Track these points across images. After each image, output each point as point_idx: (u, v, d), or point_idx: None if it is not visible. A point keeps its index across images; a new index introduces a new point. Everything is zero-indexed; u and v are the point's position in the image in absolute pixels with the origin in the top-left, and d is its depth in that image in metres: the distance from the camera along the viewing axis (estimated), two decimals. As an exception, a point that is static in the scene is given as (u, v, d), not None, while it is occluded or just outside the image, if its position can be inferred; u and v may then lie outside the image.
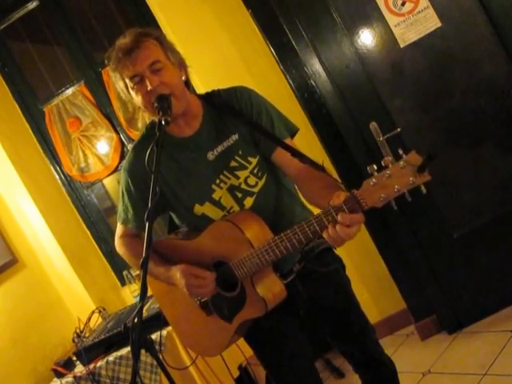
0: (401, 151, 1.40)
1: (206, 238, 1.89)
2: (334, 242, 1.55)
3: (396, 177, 1.40)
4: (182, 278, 1.86)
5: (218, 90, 1.94)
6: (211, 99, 1.92)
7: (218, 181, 1.88)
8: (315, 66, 3.06)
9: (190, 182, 1.90)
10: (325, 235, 1.55)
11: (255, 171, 1.89)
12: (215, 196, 1.89)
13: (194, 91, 1.97)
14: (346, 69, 3.04)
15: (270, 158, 1.89)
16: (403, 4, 2.89)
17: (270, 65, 3.24)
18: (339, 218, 1.49)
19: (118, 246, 2.13)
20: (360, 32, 2.99)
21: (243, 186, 1.88)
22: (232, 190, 1.89)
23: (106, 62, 1.88)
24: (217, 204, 1.90)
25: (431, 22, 2.90)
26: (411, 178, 1.39)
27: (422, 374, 3.01)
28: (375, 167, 1.43)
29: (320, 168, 1.70)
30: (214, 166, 1.88)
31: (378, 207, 1.46)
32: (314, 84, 3.08)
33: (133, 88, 1.80)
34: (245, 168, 1.88)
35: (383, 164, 1.42)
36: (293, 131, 1.94)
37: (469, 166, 3.04)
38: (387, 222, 3.14)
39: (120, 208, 2.06)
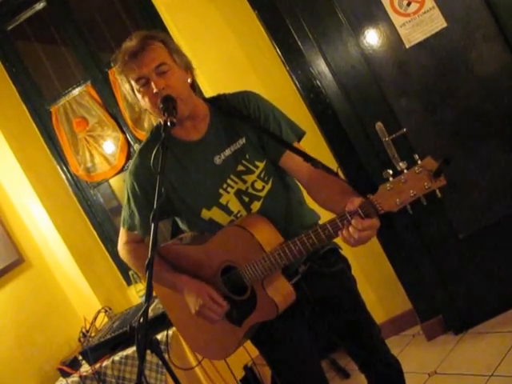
0: (416, 156, 1.43)
1: (214, 243, 1.88)
2: (347, 242, 1.56)
3: (412, 181, 1.43)
4: (196, 295, 1.86)
5: (225, 95, 1.94)
6: (218, 103, 1.92)
7: (225, 185, 1.88)
8: (321, 67, 3.06)
9: (197, 186, 1.90)
10: (339, 236, 1.57)
11: (262, 175, 1.88)
12: (222, 200, 1.89)
13: (200, 94, 1.97)
14: (352, 69, 3.04)
15: (277, 163, 1.88)
16: (409, 4, 2.89)
17: (275, 65, 3.24)
18: (353, 222, 1.51)
19: (123, 252, 2.12)
20: (366, 32, 2.99)
21: (250, 190, 1.88)
22: (239, 194, 1.88)
23: (112, 64, 1.88)
24: (224, 208, 1.89)
25: (437, 23, 2.89)
26: (427, 183, 1.42)
27: (428, 374, 3.00)
28: (391, 172, 1.46)
29: (333, 173, 1.70)
30: (221, 170, 1.88)
31: (393, 212, 1.48)
32: (319, 84, 3.08)
33: (139, 91, 1.80)
34: (252, 172, 1.88)
35: (398, 169, 1.44)
36: (300, 135, 1.94)
37: (475, 167, 3.03)
38: (393, 223, 3.13)
39: (125, 213, 2.04)
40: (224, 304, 1.86)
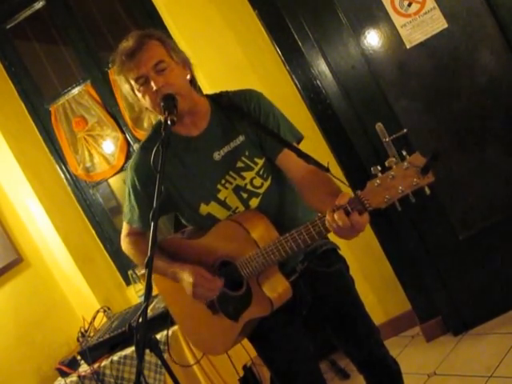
0: (404, 152, 1.42)
1: (211, 237, 1.90)
2: (336, 231, 1.55)
3: (400, 178, 1.42)
4: (189, 277, 1.87)
5: (227, 92, 1.95)
6: (219, 100, 1.92)
7: (223, 181, 1.89)
8: (321, 67, 3.06)
9: (196, 181, 1.91)
10: (327, 224, 1.56)
11: (261, 172, 1.89)
12: (220, 196, 1.90)
13: (199, 90, 1.97)
14: (352, 69, 3.04)
15: (274, 161, 1.89)
16: (410, 5, 2.88)
17: (275, 65, 3.23)
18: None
19: (124, 244, 2.14)
20: (366, 32, 2.99)
21: (249, 186, 1.89)
22: (237, 190, 1.89)
23: (110, 65, 1.89)
24: (222, 204, 1.90)
25: (438, 23, 2.89)
26: (415, 179, 1.41)
27: (427, 375, 3.00)
28: (379, 168, 1.45)
29: (325, 169, 1.70)
30: (220, 166, 1.89)
31: (381, 208, 1.47)
32: (319, 85, 3.08)
33: (139, 90, 1.81)
34: (251, 169, 1.89)
35: (387, 165, 1.44)
36: (298, 138, 1.94)
37: (475, 167, 3.03)
38: (393, 224, 3.13)
39: (126, 207, 2.06)
40: (218, 281, 1.86)
